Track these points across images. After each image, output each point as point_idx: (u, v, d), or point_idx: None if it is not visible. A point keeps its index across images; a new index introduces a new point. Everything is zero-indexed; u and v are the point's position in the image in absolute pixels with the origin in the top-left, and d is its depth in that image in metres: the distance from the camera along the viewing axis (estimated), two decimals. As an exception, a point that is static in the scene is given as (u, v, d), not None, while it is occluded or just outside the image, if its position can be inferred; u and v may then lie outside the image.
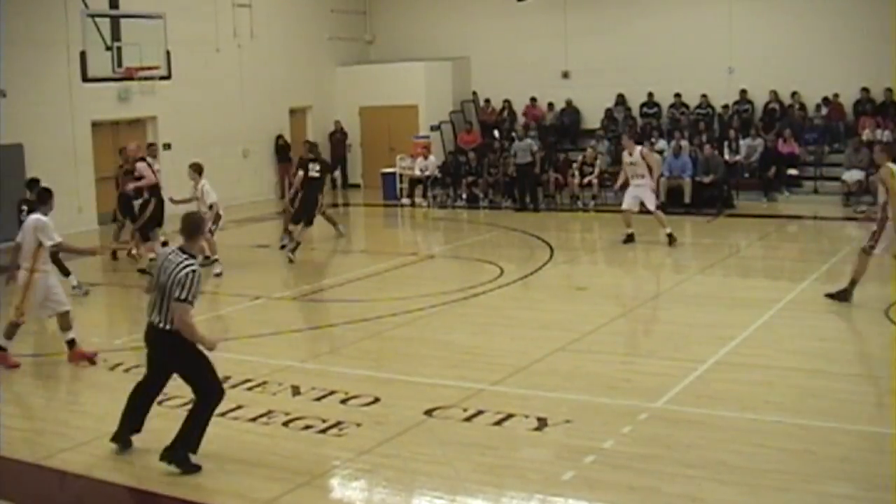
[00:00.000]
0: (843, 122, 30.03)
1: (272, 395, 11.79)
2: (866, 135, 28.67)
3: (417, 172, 31.03)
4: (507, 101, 34.40)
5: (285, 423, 10.72)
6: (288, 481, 9.14)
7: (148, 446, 10.08)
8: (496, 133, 32.86)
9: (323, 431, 10.45)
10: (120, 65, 23.96)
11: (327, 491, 9.19)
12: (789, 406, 10.96)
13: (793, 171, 29.06)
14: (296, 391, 11.91)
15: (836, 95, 30.01)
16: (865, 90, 29.70)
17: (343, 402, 11.40)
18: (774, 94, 30.74)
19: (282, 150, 32.97)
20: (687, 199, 27.33)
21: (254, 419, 10.90)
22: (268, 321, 15.36)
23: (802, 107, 30.52)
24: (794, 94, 30.56)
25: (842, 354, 13.21)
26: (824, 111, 30.17)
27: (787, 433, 10.09)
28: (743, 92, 31.05)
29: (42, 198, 13.53)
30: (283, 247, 22.24)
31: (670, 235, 21.64)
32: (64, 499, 9.47)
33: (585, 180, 28.61)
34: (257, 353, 13.51)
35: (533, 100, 33.92)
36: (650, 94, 32.16)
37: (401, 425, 10.51)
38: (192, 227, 9.67)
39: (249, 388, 12.07)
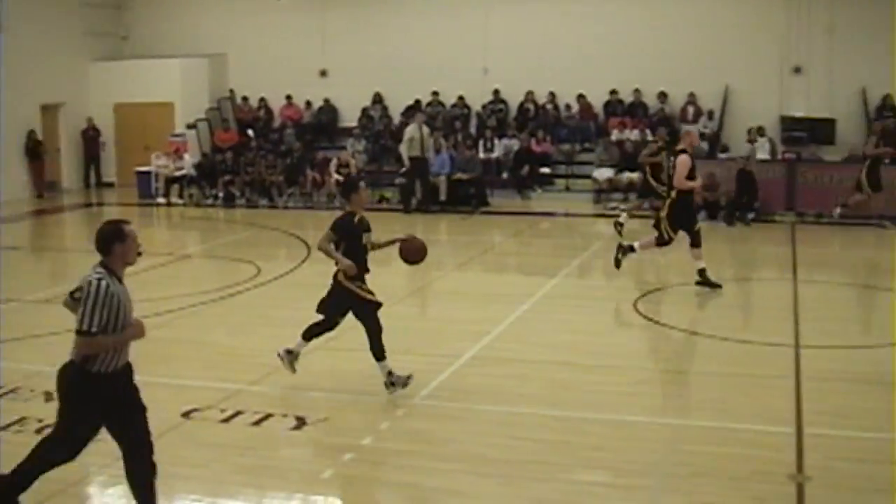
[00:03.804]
0: (594, 123, 31.03)
1: (24, 402, 11.43)
2: (615, 135, 29.74)
3: (173, 170, 30.60)
4: (263, 100, 34.23)
5: (38, 430, 10.39)
6: (41, 491, 8.84)
7: None
8: (250, 132, 32.67)
9: (77, 437, 10.22)
10: None
11: (83, 499, 8.97)
12: (543, 398, 11.26)
13: (545, 170, 29.85)
14: (49, 397, 11.54)
15: (582, 96, 31.09)
16: (614, 92, 30.78)
17: (98, 406, 11.17)
18: (530, 94, 31.54)
19: (33, 147, 31.93)
20: (443, 197, 27.76)
21: (6, 427, 10.57)
22: (21, 325, 14.90)
23: (556, 107, 31.40)
24: (550, 94, 31.44)
25: (592, 346, 13.62)
26: (575, 111, 31.11)
27: (542, 424, 10.36)
28: (496, 92, 31.73)
29: None
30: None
31: None
32: None
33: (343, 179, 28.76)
34: (9, 359, 13.05)
35: (289, 98, 33.85)
36: (417, 100, 32.46)
37: (157, 429, 10.26)
38: None
39: (0, 395, 11.72)
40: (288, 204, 29.29)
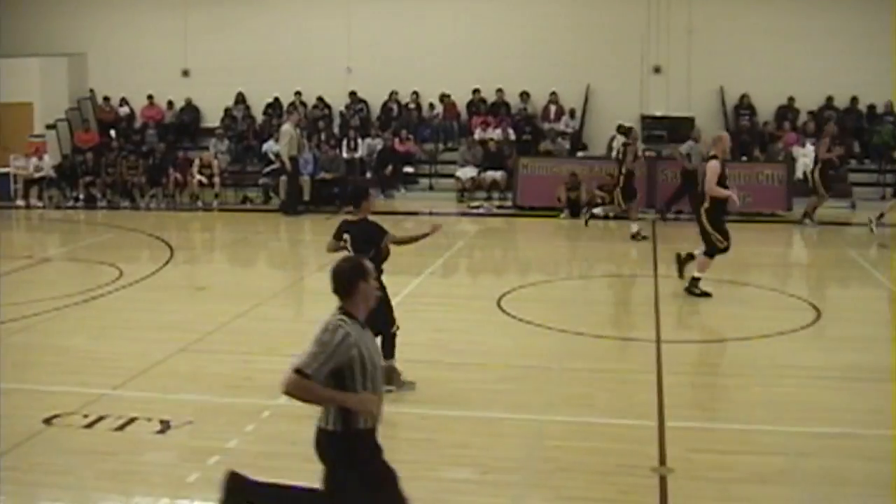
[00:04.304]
0: (457, 122, 31.23)
1: None
2: (478, 134, 29.96)
3: (32, 172, 29.98)
4: (124, 100, 33.69)
5: None
6: None
7: None
8: (112, 132, 32.19)
9: (-65, 448, 9.97)
10: None
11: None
12: (409, 396, 11.25)
13: (409, 169, 29.95)
14: None
15: (445, 96, 31.29)
16: (477, 91, 31.01)
17: (-44, 416, 10.92)
18: (394, 93, 31.64)
19: None
20: (307, 197, 27.66)
21: None
22: None
23: (419, 106, 31.52)
24: (414, 93, 31.54)
25: (457, 344, 13.70)
26: (439, 111, 31.27)
27: (408, 423, 10.38)
28: (352, 94, 31.75)
29: None
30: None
31: None
32: None
33: (206, 180, 28.57)
34: None
35: (150, 98, 33.39)
36: (276, 98, 32.41)
37: (19, 436, 10.14)
38: None
39: None
40: (150, 205, 28.95)
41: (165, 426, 10.32)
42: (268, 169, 28.50)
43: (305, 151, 28.48)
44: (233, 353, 13.23)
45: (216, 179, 28.68)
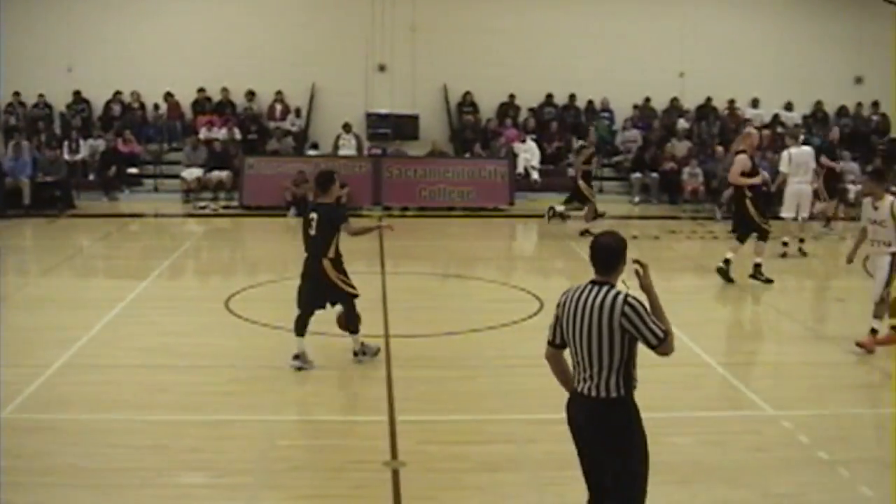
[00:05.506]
0: (181, 122, 30.85)
1: None
2: (203, 133, 29.69)
3: None
4: None
5: None
6: None
7: None
8: None
9: None
10: None
11: None
12: (138, 403, 11.12)
13: (133, 170, 29.41)
14: None
15: (169, 95, 30.88)
16: (202, 90, 30.73)
17: None
18: (118, 93, 31.05)
19: None
20: (27, 201, 26.79)
21: None
22: None
23: (142, 106, 31.00)
24: (136, 93, 30.99)
25: (185, 348, 13.55)
26: (163, 110, 30.84)
27: (138, 430, 10.24)
28: (77, 93, 30.98)
29: None
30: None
31: None
32: None
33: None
34: None
35: None
36: (16, 94, 31.07)
37: None
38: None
39: None
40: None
41: None
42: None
43: (24, 153, 27.55)
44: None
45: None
